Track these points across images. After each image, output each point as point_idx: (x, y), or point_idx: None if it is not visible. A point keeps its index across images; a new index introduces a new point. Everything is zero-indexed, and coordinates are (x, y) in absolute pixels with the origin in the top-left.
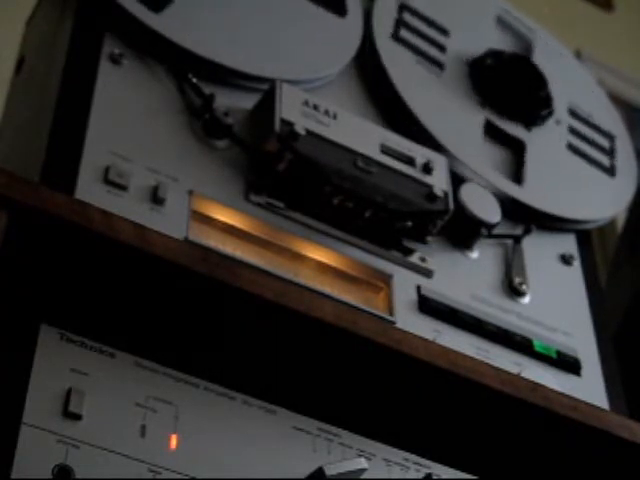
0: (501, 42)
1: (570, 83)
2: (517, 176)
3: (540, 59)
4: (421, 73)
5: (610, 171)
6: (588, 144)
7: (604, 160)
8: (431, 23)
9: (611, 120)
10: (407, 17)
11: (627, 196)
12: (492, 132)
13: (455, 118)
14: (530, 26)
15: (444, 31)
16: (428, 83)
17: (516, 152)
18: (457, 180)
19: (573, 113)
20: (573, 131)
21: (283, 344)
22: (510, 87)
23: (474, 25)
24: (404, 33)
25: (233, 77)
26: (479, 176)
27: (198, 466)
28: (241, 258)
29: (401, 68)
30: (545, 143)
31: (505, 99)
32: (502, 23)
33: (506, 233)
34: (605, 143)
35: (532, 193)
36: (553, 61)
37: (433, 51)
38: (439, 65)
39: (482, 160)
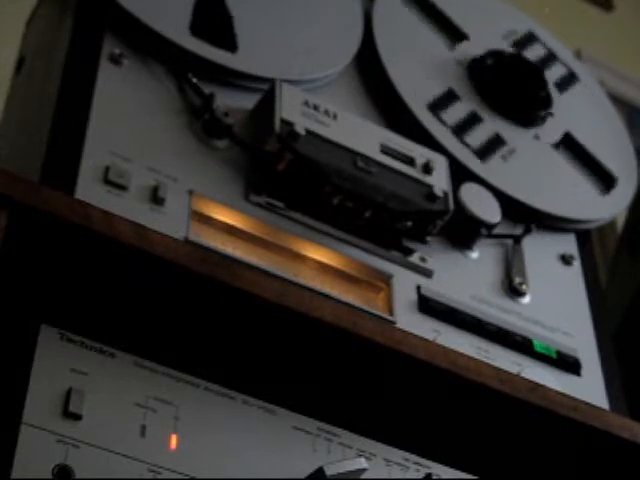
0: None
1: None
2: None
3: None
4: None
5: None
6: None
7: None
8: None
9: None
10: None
11: (627, 196)
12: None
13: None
14: (557, 50)
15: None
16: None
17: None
18: (457, 180)
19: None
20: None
21: (283, 344)
22: (510, 87)
23: (483, 29)
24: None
25: (233, 77)
26: (479, 176)
27: (198, 466)
28: (241, 258)
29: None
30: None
31: (505, 99)
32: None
33: (506, 233)
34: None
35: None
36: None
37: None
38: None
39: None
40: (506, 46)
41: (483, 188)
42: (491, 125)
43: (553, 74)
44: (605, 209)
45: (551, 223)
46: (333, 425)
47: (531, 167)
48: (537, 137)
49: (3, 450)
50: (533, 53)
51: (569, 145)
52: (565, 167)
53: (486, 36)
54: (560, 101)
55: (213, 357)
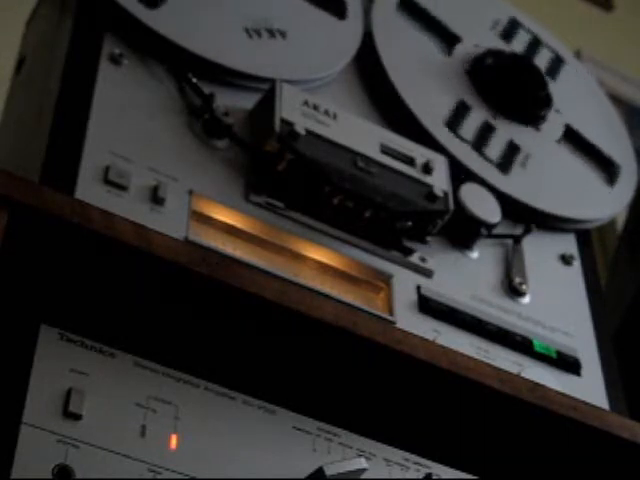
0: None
1: (580, 104)
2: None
3: (565, 84)
4: (421, 73)
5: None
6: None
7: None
8: (430, 22)
9: (616, 143)
10: (407, 16)
11: (627, 196)
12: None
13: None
14: (561, 52)
15: (444, 31)
16: (429, 83)
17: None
18: (457, 180)
19: (576, 129)
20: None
21: (283, 344)
22: (510, 87)
23: (479, 29)
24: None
25: (233, 77)
26: (479, 176)
27: (198, 466)
28: (241, 258)
29: (401, 68)
30: (545, 143)
31: (505, 99)
32: (533, 42)
33: (506, 233)
34: (605, 162)
35: (532, 193)
36: (569, 81)
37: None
38: (440, 65)
39: (482, 160)
40: (495, 37)
41: (483, 188)
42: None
43: (542, 60)
44: (605, 209)
45: (551, 223)
46: (333, 425)
47: (532, 166)
48: (538, 135)
49: (3, 450)
50: (520, 40)
51: (570, 138)
52: (565, 166)
53: (476, 33)
54: (555, 90)
55: (213, 357)
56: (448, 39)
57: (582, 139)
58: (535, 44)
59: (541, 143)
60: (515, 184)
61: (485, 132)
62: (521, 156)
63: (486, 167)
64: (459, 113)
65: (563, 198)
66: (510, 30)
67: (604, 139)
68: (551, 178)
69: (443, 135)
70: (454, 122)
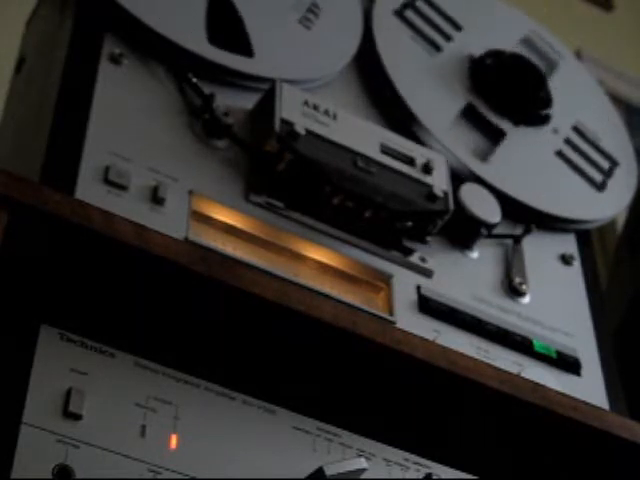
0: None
1: (578, 99)
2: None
3: (561, 82)
4: (422, 73)
5: (600, 187)
6: (589, 145)
7: (596, 177)
8: (431, 23)
9: (618, 144)
10: (407, 17)
11: (627, 196)
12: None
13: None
14: (558, 49)
15: (445, 32)
16: (429, 83)
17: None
18: (457, 180)
19: (577, 130)
20: (570, 143)
21: (283, 344)
22: (510, 87)
23: (488, 32)
24: (404, 33)
25: (233, 77)
26: (479, 176)
27: (198, 466)
28: (241, 258)
29: (401, 68)
30: (545, 143)
31: (505, 99)
32: (528, 44)
33: (506, 233)
34: (605, 165)
35: (533, 193)
36: (573, 85)
37: (433, 52)
38: (440, 66)
39: (482, 160)
40: (494, 36)
41: (483, 188)
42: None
43: (539, 57)
44: (605, 209)
45: (551, 223)
46: (333, 425)
47: (532, 166)
48: (537, 135)
49: (3, 450)
50: (517, 38)
51: (570, 136)
52: (565, 166)
53: (475, 33)
54: (555, 88)
55: (213, 357)
56: (447, 39)
57: (583, 137)
58: (531, 41)
59: (541, 143)
60: (515, 184)
61: (485, 132)
62: (521, 155)
63: (484, 165)
64: (459, 113)
65: (563, 198)
66: (508, 28)
67: (604, 138)
68: (551, 178)
69: (443, 135)
70: (454, 122)
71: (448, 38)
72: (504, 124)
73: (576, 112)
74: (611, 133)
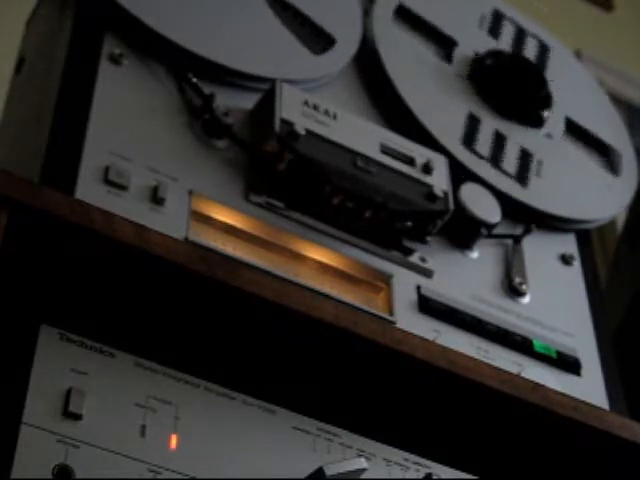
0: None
1: (574, 94)
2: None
3: (551, 71)
4: (421, 73)
5: (614, 171)
6: (590, 144)
7: (606, 160)
8: (431, 24)
9: (613, 132)
10: (407, 17)
11: (627, 196)
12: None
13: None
14: (544, 38)
15: (444, 32)
16: (428, 83)
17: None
18: (457, 180)
19: (571, 123)
20: (574, 131)
21: (283, 344)
22: (510, 87)
23: (477, 27)
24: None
25: (233, 77)
26: (480, 176)
27: (198, 466)
28: (241, 258)
29: (401, 68)
30: (546, 143)
31: (505, 99)
32: (519, 34)
33: (506, 233)
34: (605, 155)
35: (534, 194)
36: (559, 70)
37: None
38: (439, 66)
39: (483, 161)
40: (486, 34)
41: (483, 188)
42: (493, 125)
43: (530, 51)
44: (605, 209)
45: (551, 223)
46: (333, 425)
47: (531, 167)
48: (537, 134)
49: (3, 450)
50: (507, 33)
51: (569, 134)
52: (565, 167)
53: (473, 32)
54: (553, 86)
55: (213, 357)
56: (445, 40)
57: (582, 134)
58: (520, 35)
59: (540, 142)
60: (514, 184)
61: (484, 132)
62: (520, 155)
63: (482, 164)
64: (460, 115)
65: (563, 198)
66: (497, 24)
67: (604, 134)
68: (550, 178)
69: (443, 135)
70: (454, 122)
71: (446, 39)
72: (503, 124)
73: (574, 106)
74: (609, 129)
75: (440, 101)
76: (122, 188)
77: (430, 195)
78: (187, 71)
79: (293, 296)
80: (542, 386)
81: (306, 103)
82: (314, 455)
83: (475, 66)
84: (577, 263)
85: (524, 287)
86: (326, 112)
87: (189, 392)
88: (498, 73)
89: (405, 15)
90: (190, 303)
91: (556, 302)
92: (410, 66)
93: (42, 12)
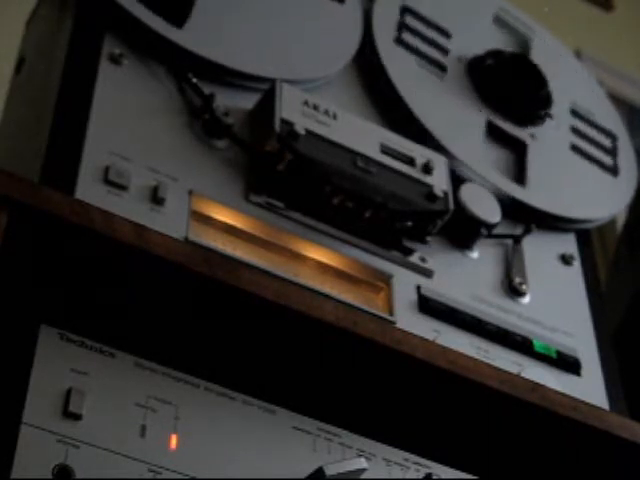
0: (500, 41)
1: (570, 82)
2: (519, 177)
3: (539, 58)
4: (421, 73)
5: (613, 170)
6: (590, 143)
7: (606, 159)
8: (431, 24)
9: (612, 119)
10: (407, 18)
11: (627, 196)
12: (493, 133)
13: (456, 118)
14: (529, 24)
15: (444, 32)
16: (428, 83)
17: (517, 152)
18: (457, 180)
19: (574, 112)
20: (575, 130)
21: (283, 344)
22: (510, 87)
23: (474, 25)
24: (404, 33)
25: (233, 77)
26: (480, 176)
27: (198, 466)
28: (241, 258)
29: (401, 68)
30: (545, 143)
31: (505, 99)
32: (500, 22)
33: (506, 233)
34: (607, 142)
35: (533, 193)
36: (552, 60)
37: (433, 51)
38: (439, 65)
39: (483, 160)
40: (485, 34)
41: (483, 188)
42: (492, 125)
43: (530, 51)
44: (605, 209)
45: (551, 223)
46: (333, 425)
47: (532, 167)
48: (537, 134)
49: (3, 450)
50: (508, 33)
51: (572, 131)
52: (564, 167)
53: (469, 33)
54: (553, 84)
55: (213, 357)
56: (446, 39)
57: (582, 134)
58: (525, 36)
59: (540, 142)
60: (514, 184)
61: (484, 131)
62: (520, 155)
63: (480, 163)
64: (459, 112)
65: (563, 198)
66: (498, 24)
67: (604, 134)
68: (550, 178)
69: (444, 135)
70: (454, 122)
71: (446, 38)
72: (504, 124)
73: (574, 103)
74: (602, 107)
75: (440, 101)
76: (122, 188)
77: (430, 195)
78: (187, 71)
79: (293, 296)
80: (542, 386)
81: (306, 103)
82: (314, 455)
83: (475, 66)
84: (577, 263)
85: (524, 287)
86: (326, 112)
87: (189, 392)
88: (498, 73)
89: (405, 14)
90: (190, 303)
91: (556, 302)
92: (410, 66)
93: (42, 12)
